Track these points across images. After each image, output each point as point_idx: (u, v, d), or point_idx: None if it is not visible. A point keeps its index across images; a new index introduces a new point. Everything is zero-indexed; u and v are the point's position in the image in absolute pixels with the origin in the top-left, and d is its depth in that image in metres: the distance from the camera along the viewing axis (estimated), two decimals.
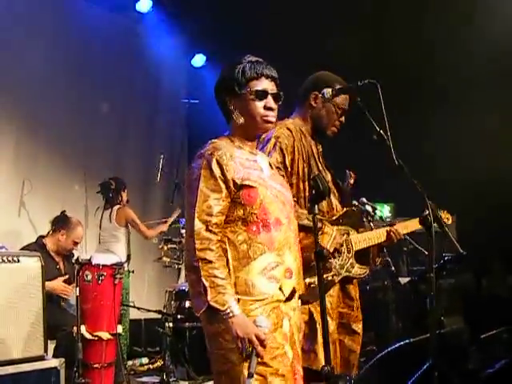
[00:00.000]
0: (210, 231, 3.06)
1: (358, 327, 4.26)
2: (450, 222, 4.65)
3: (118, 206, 8.27)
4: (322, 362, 3.84)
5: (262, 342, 2.93)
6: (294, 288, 3.19)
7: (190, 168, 3.22)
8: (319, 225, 3.93)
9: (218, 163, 3.13)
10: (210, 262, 3.00)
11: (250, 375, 2.88)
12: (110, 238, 8.26)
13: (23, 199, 8.48)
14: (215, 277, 2.98)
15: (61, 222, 7.10)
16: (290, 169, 4.04)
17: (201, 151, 3.21)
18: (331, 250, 3.99)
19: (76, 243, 7.18)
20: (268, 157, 3.81)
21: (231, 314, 2.95)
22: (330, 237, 4.00)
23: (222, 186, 3.11)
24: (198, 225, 3.05)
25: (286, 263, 3.16)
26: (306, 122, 4.29)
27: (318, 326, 3.88)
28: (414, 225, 4.31)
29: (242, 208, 3.13)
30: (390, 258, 7.34)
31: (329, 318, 4.01)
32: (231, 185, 3.12)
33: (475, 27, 8.19)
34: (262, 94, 3.26)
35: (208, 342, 3.13)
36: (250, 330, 2.93)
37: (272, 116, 3.30)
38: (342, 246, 4.08)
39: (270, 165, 3.48)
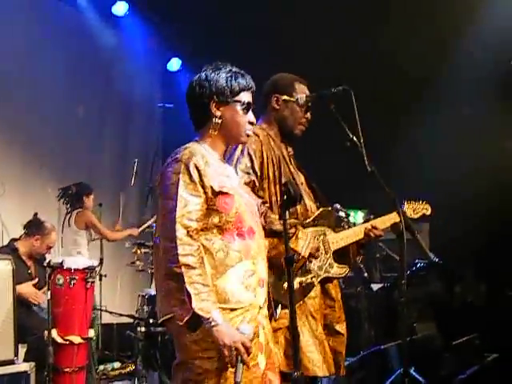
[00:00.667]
0: (191, 237, 2.98)
1: (342, 328, 4.24)
2: (428, 212, 4.62)
3: (77, 211, 8.23)
4: (307, 367, 3.86)
5: (247, 350, 2.89)
6: (265, 297, 3.18)
7: (164, 172, 3.13)
8: (292, 230, 3.93)
9: (196, 168, 3.06)
10: (193, 268, 2.92)
11: (237, 383, 2.85)
12: (70, 242, 8.21)
13: None
14: (198, 283, 2.90)
15: (35, 227, 7.04)
16: (259, 173, 4.02)
17: (176, 156, 3.12)
18: (306, 255, 3.98)
19: (50, 247, 7.13)
20: (237, 163, 3.82)
21: (214, 323, 2.87)
22: (304, 241, 3.99)
23: (201, 190, 3.04)
24: (180, 230, 2.96)
25: (259, 272, 3.13)
26: (272, 125, 4.27)
27: (299, 330, 3.86)
28: (392, 218, 4.26)
29: (217, 215, 3.06)
30: (363, 265, 7.38)
31: (312, 320, 4.02)
32: (209, 191, 3.05)
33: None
34: (248, 108, 3.25)
35: (179, 351, 3.06)
36: (237, 338, 2.87)
37: (251, 130, 3.29)
38: (318, 250, 4.07)
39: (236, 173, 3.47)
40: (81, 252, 8.11)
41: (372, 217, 4.37)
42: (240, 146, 3.88)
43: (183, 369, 3.03)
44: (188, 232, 2.98)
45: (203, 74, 3.28)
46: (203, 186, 3.06)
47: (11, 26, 8.71)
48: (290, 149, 4.34)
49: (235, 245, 3.07)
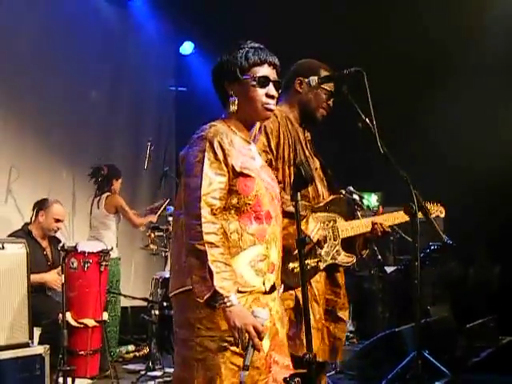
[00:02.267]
0: (215, 215, 2.98)
1: (344, 315, 4.24)
2: (443, 215, 4.63)
3: (107, 194, 8.23)
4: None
5: (259, 334, 2.86)
6: (274, 283, 3.16)
7: (189, 150, 3.12)
8: (304, 213, 3.94)
9: (221, 146, 3.06)
10: (217, 246, 2.92)
11: (246, 367, 2.82)
12: (100, 225, 8.21)
13: (10, 186, 8.42)
14: (221, 262, 2.89)
15: (37, 205, 7.05)
16: (275, 152, 4.02)
17: (201, 133, 3.11)
18: (315, 240, 3.97)
19: (58, 220, 7.08)
20: (255, 141, 3.79)
21: (230, 303, 2.86)
22: (314, 226, 3.99)
23: (225, 169, 3.04)
24: (205, 208, 2.95)
25: (271, 257, 3.12)
26: (293, 108, 4.27)
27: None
28: (403, 216, 4.26)
29: (236, 196, 3.05)
30: (377, 247, 7.36)
31: (316, 304, 4.02)
32: (230, 170, 3.06)
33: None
34: (264, 81, 3.20)
35: (182, 327, 3.06)
36: (249, 321, 2.85)
37: (273, 104, 3.25)
38: (325, 239, 4.07)
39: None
40: (107, 234, 8.11)
41: (381, 210, 4.36)
42: (258, 124, 3.86)
43: (186, 346, 3.03)
44: (212, 210, 2.97)
45: (221, 55, 3.29)
46: (227, 165, 3.05)
47: (26, 12, 8.70)
48: (307, 134, 4.34)
49: (251, 228, 3.07)
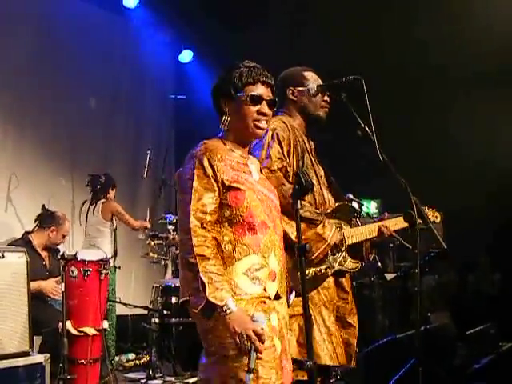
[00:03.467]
0: (205, 229, 3.10)
1: (354, 320, 4.29)
2: (438, 220, 4.66)
3: (103, 200, 8.26)
4: (319, 355, 3.89)
5: (259, 337, 2.95)
6: (276, 291, 3.22)
7: (182, 169, 3.25)
8: (320, 218, 4.01)
9: (210, 163, 3.18)
10: (208, 258, 3.03)
11: (250, 370, 2.90)
12: (96, 232, 8.24)
13: (10, 194, 8.44)
14: (212, 273, 3.00)
15: (48, 219, 7.09)
16: (287, 159, 4.07)
17: (192, 152, 3.25)
18: (332, 243, 4.02)
19: (64, 236, 7.19)
20: (269, 148, 3.92)
21: (228, 311, 2.97)
22: (330, 230, 4.03)
23: (215, 184, 3.16)
24: (194, 222, 3.08)
25: (271, 266, 3.19)
26: (295, 116, 4.35)
27: (313, 319, 3.90)
28: (403, 222, 4.29)
29: (228, 209, 3.17)
30: (377, 254, 7.37)
31: (325, 310, 4.07)
32: (220, 185, 3.17)
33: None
34: (256, 99, 3.30)
35: (202, 338, 3.15)
36: (248, 326, 2.95)
37: (263, 121, 3.32)
38: (342, 242, 4.11)
39: (261, 171, 3.50)
40: (103, 242, 8.13)
41: (386, 215, 4.38)
42: (270, 132, 3.96)
43: (205, 354, 3.14)
44: (202, 224, 3.10)
45: (219, 75, 3.43)
46: (216, 180, 3.17)
47: (24, 21, 8.73)
48: (311, 142, 4.39)
49: (244, 239, 3.16)
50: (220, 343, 3.03)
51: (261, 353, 2.97)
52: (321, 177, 4.32)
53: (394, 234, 4.31)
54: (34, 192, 8.65)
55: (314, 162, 4.30)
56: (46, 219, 7.10)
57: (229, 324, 2.96)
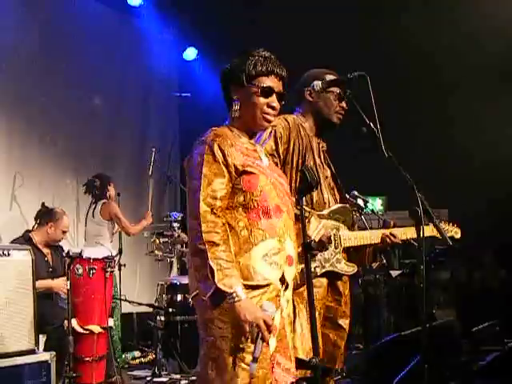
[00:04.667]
0: (215, 214, 3.06)
1: (345, 323, 4.25)
2: (458, 236, 4.60)
3: (103, 201, 8.22)
4: (297, 348, 3.86)
5: (268, 328, 2.93)
6: (295, 275, 3.22)
7: (191, 155, 3.21)
8: (306, 214, 3.94)
9: (220, 148, 3.13)
10: (217, 244, 2.99)
11: (255, 360, 2.89)
12: (95, 234, 8.20)
13: (15, 193, 8.44)
14: (222, 259, 2.96)
15: (46, 215, 7.07)
16: (282, 157, 4.06)
17: (201, 138, 3.21)
18: (317, 240, 3.97)
19: (65, 232, 7.16)
20: (263, 144, 3.87)
21: (237, 298, 2.92)
22: (315, 227, 4.00)
23: (225, 170, 3.12)
24: (204, 208, 3.04)
25: (287, 250, 3.17)
26: (308, 117, 4.32)
27: (297, 312, 3.85)
28: (412, 232, 4.24)
29: (242, 194, 3.13)
30: (384, 259, 7.35)
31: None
32: (232, 170, 3.13)
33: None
34: (267, 92, 3.27)
35: (201, 329, 3.12)
36: (259, 315, 2.92)
37: (272, 115, 3.31)
38: (330, 240, 4.06)
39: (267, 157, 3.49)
40: (104, 244, 8.10)
41: (392, 223, 4.35)
42: (269, 128, 3.91)
43: (202, 345, 3.11)
44: (212, 210, 3.06)
45: (232, 59, 3.38)
46: (227, 166, 3.13)
47: (30, 20, 8.73)
48: (323, 144, 4.36)
49: (260, 223, 3.12)
50: (221, 335, 3.00)
51: (267, 343, 2.96)
52: (326, 178, 4.28)
53: (400, 242, 4.26)
54: (39, 191, 8.65)
55: (319, 162, 4.27)
56: (44, 216, 7.09)
57: (239, 311, 2.92)
